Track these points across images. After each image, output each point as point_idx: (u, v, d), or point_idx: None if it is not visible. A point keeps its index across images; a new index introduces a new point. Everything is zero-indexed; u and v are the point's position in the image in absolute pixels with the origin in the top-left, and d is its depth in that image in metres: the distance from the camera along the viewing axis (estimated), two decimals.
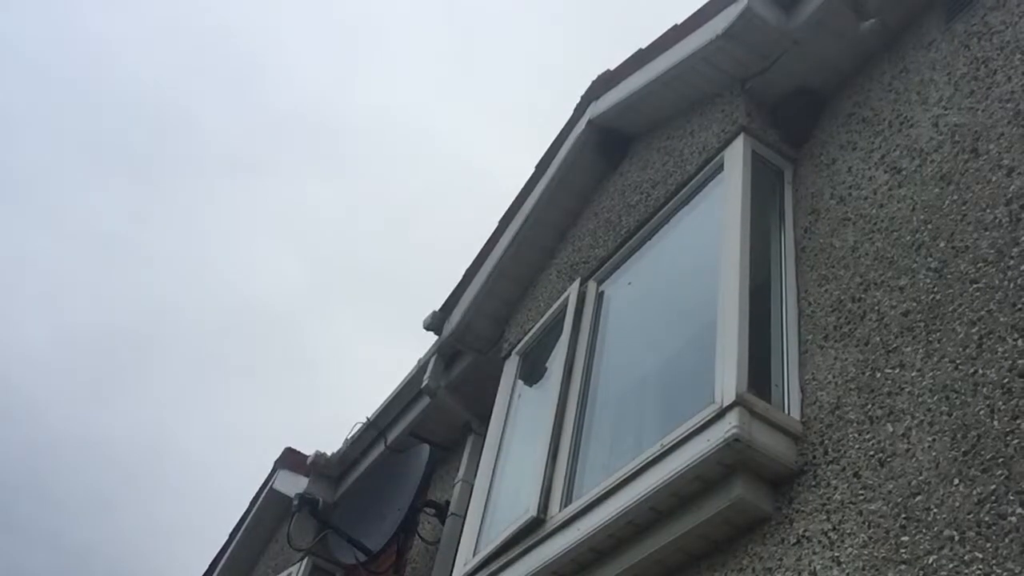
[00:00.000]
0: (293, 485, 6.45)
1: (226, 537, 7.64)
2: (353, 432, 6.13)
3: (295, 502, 5.44)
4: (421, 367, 5.40)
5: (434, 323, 5.13)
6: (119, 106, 36.44)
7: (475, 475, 4.38)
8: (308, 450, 6.60)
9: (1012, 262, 2.27)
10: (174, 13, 35.79)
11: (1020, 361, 2.09)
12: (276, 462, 7.01)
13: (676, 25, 3.88)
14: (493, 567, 3.46)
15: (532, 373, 4.44)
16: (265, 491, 7.11)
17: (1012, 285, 2.23)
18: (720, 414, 2.59)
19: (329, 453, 6.31)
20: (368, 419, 5.99)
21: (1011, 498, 1.91)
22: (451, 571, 4.14)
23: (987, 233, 2.40)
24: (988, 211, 2.44)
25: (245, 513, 7.47)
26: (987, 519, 1.93)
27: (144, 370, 36.42)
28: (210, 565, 7.76)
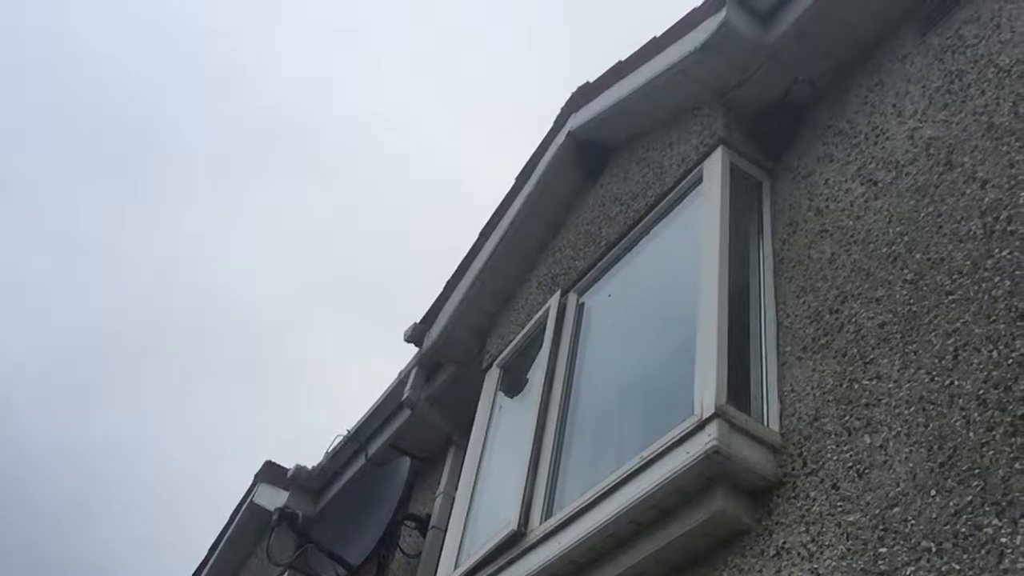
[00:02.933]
0: (273, 499, 6.40)
1: (206, 551, 7.57)
2: (334, 445, 6.10)
3: (275, 516, 5.41)
4: (402, 379, 5.38)
5: (415, 335, 5.12)
6: (101, 108, 36.23)
7: (456, 488, 4.36)
8: (290, 461, 6.55)
9: (987, 274, 2.29)
10: (158, 14, 35.62)
11: (995, 372, 2.10)
12: (256, 476, 6.96)
13: (655, 37, 3.90)
14: None
15: (513, 385, 4.43)
16: (245, 505, 7.06)
17: (987, 297, 2.25)
18: (700, 426, 2.59)
19: (310, 466, 6.27)
20: (349, 431, 5.96)
21: (987, 509, 1.92)
22: None
23: (962, 245, 2.42)
24: (963, 223, 2.46)
25: (225, 527, 7.41)
26: (963, 530, 1.94)
27: (126, 377, 36.13)
28: None
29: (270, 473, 6.82)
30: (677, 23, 3.73)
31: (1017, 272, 2.21)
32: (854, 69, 3.36)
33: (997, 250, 2.30)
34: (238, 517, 7.20)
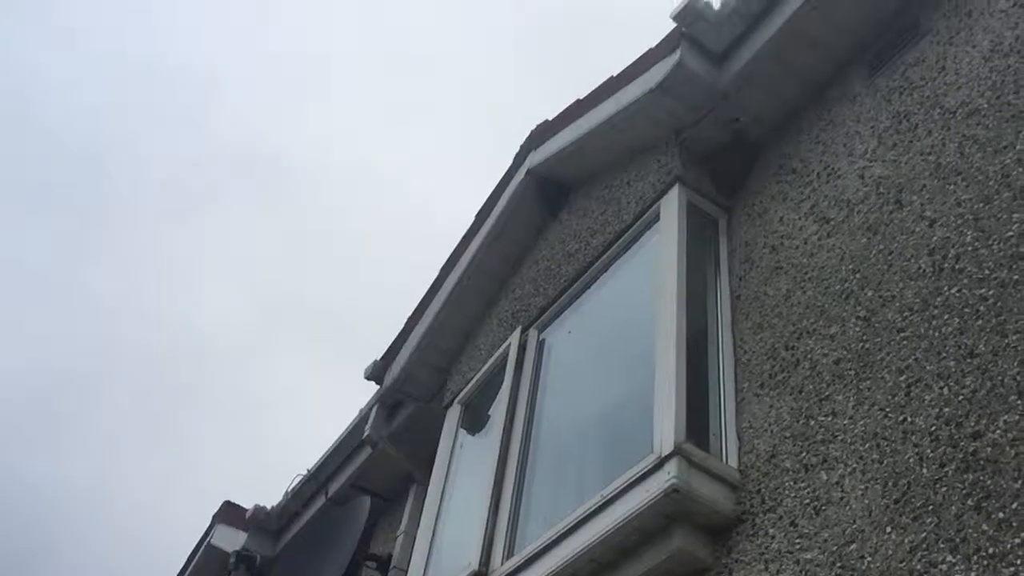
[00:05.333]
0: (232, 540, 6.28)
1: None
2: (293, 484, 6.02)
3: (231, 560, 5.31)
4: (363, 417, 5.33)
5: (375, 372, 5.08)
6: (50, 136, 35.56)
7: (418, 527, 4.31)
8: (249, 501, 6.45)
9: (936, 311, 2.33)
10: (115, 48, 35.25)
11: (947, 409, 2.13)
12: (214, 516, 6.82)
13: (612, 77, 3.95)
14: None
15: (474, 422, 4.41)
16: (203, 547, 6.91)
17: (937, 334, 2.29)
18: (659, 464, 2.60)
19: (269, 506, 6.18)
20: (309, 471, 5.89)
21: (941, 546, 1.94)
22: None
23: (912, 282, 2.47)
24: (913, 261, 2.51)
25: (182, 569, 7.24)
26: (919, 567, 1.96)
27: (84, 413, 35.23)
28: None
29: (228, 514, 6.70)
30: (633, 63, 3.79)
31: (966, 310, 2.25)
32: (806, 109, 3.43)
33: (946, 288, 2.35)
34: (195, 559, 7.05)
